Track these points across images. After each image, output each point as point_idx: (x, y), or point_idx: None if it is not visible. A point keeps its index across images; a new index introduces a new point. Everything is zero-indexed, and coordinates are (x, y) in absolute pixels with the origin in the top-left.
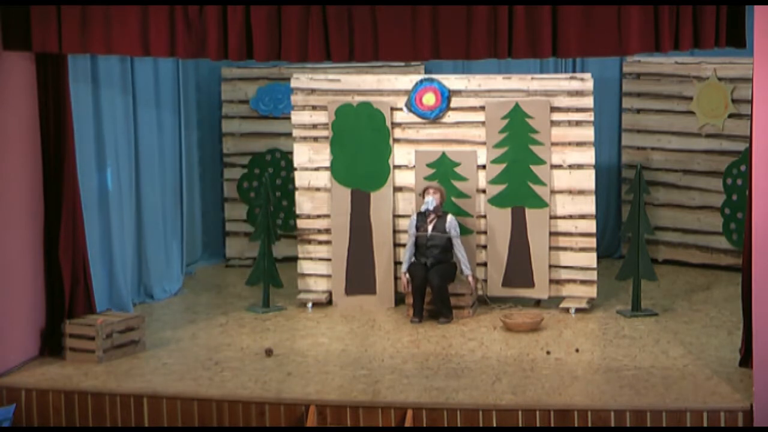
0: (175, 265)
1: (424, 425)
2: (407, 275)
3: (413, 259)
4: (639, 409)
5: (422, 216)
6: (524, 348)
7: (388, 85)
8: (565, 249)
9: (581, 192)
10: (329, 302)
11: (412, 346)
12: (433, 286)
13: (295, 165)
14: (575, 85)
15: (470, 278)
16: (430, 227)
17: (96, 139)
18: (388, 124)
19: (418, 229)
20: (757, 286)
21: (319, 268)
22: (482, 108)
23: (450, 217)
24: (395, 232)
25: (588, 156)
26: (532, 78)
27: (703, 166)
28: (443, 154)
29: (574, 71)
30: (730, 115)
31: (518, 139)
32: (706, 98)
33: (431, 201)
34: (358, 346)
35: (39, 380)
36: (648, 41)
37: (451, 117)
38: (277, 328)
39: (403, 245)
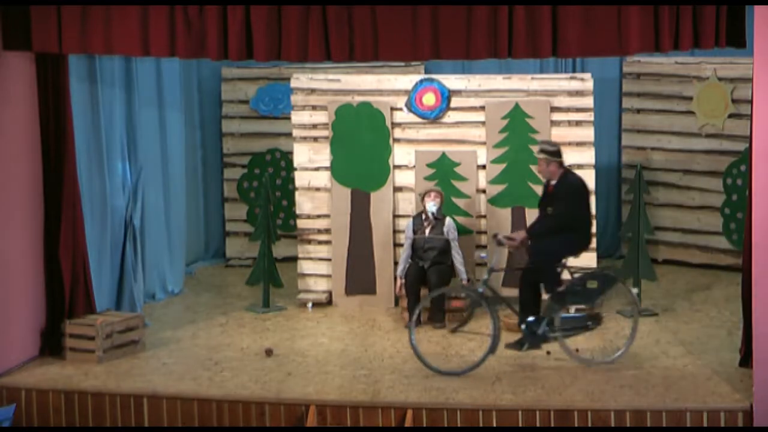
0: (176, 265)
1: (424, 425)
2: (402, 279)
3: (409, 263)
4: (639, 409)
5: (419, 219)
6: None
7: (388, 85)
8: None
9: None
10: (329, 302)
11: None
12: (432, 285)
13: (295, 165)
14: (575, 85)
15: (466, 283)
16: (427, 230)
17: (97, 139)
18: (388, 124)
19: (415, 232)
20: (757, 286)
21: (319, 268)
22: (482, 108)
23: (448, 220)
24: (395, 232)
25: (588, 156)
26: (532, 78)
27: (703, 166)
28: (443, 154)
29: (574, 71)
30: (730, 115)
31: (518, 139)
32: (706, 98)
33: (433, 205)
34: (358, 346)
35: (39, 380)
36: (648, 41)
37: (451, 117)
38: (277, 328)
39: (403, 245)
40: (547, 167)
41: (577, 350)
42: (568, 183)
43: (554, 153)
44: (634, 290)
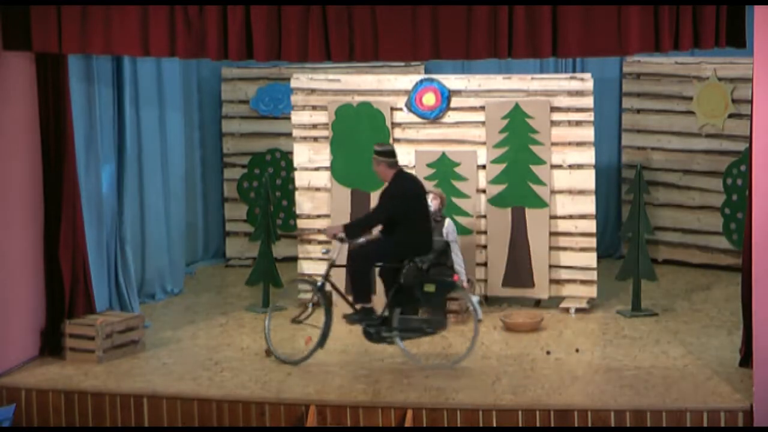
0: (176, 265)
1: (424, 425)
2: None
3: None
4: (639, 409)
5: None
6: (524, 348)
7: (388, 85)
8: (565, 249)
9: (581, 192)
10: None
11: (412, 346)
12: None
13: (295, 165)
14: (575, 85)
15: (464, 285)
16: None
17: (93, 139)
18: (388, 124)
19: None
20: (757, 286)
21: (319, 268)
22: (482, 108)
23: (448, 222)
24: None
25: (588, 156)
26: (532, 78)
27: (703, 166)
28: (443, 154)
29: (574, 71)
30: (730, 115)
31: (518, 139)
32: (706, 98)
33: (431, 207)
34: (358, 346)
35: (39, 380)
36: (648, 41)
37: (451, 117)
38: (277, 328)
39: None
40: (377, 167)
41: (577, 350)
42: (390, 185)
43: (382, 153)
44: (475, 298)
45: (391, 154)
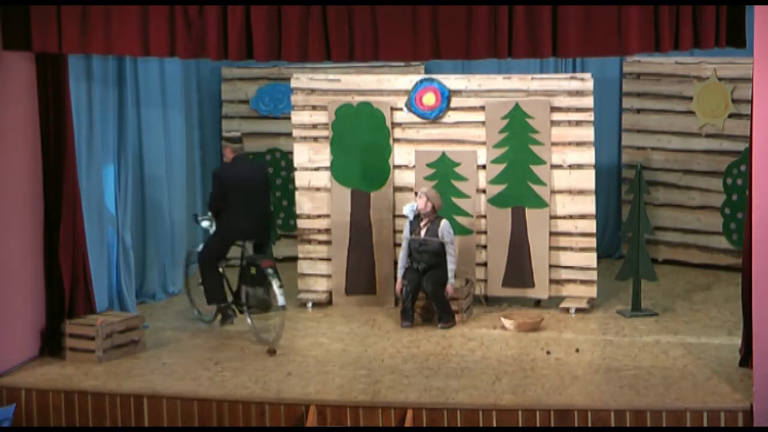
0: (177, 265)
1: (424, 425)
2: (404, 280)
3: (408, 264)
4: (639, 409)
5: (416, 220)
6: (524, 348)
7: (388, 85)
8: (565, 249)
9: (581, 192)
10: (329, 302)
11: (412, 346)
12: (427, 292)
13: (295, 165)
14: (575, 85)
15: (449, 287)
16: (422, 232)
17: (96, 139)
18: (388, 124)
19: (411, 233)
20: (757, 286)
21: (319, 268)
22: (482, 108)
23: (444, 223)
24: (395, 232)
25: (588, 156)
26: (532, 78)
27: (703, 166)
28: (443, 154)
29: (574, 71)
30: (730, 115)
31: (518, 139)
32: (706, 98)
33: (409, 207)
34: (358, 346)
35: (39, 380)
36: (648, 41)
37: (451, 117)
38: None
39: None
40: (224, 151)
41: (577, 350)
42: (219, 166)
43: (226, 139)
44: (276, 282)
45: (234, 141)
